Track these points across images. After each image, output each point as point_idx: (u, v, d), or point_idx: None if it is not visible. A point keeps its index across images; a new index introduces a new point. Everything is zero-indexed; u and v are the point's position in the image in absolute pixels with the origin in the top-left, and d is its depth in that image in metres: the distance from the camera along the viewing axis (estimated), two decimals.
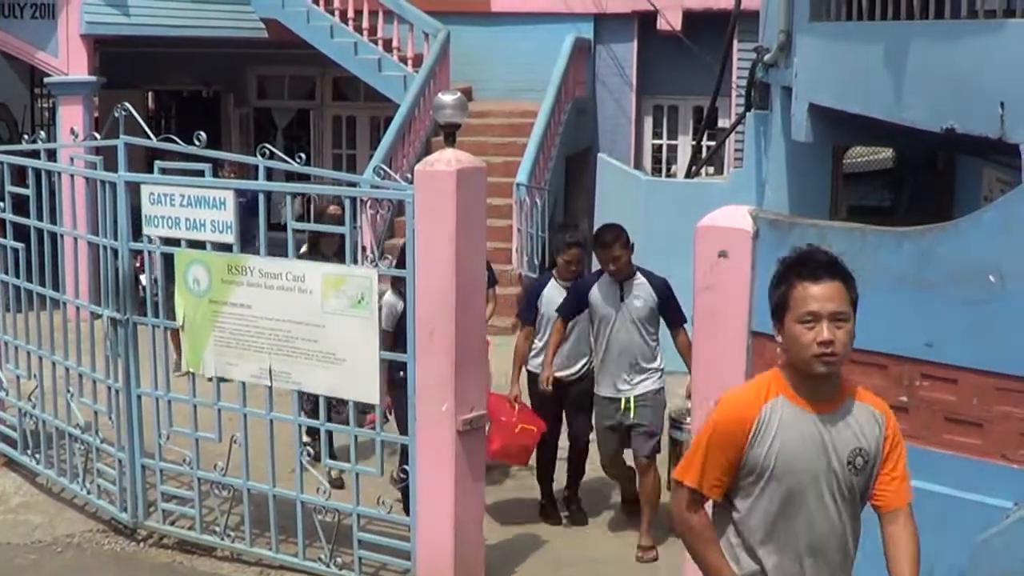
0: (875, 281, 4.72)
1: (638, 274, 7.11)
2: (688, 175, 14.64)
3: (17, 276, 7.90)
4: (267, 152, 6.47)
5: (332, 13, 15.42)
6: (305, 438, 6.95)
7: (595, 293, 7.12)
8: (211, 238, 6.66)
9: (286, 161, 6.50)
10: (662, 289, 7.07)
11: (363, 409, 6.96)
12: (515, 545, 7.20)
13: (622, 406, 7.07)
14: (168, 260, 6.87)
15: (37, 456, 8.02)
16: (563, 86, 14.94)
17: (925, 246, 4.56)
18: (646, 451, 7.07)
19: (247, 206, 6.99)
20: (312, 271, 6.35)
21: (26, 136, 8.15)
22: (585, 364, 7.55)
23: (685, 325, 6.79)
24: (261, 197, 6.73)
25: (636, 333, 7.03)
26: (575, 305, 7.24)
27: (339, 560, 6.57)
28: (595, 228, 14.64)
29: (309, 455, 6.64)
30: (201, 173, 6.71)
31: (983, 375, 4.45)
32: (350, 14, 15.35)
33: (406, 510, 6.60)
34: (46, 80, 14.05)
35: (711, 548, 3.52)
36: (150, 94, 18.64)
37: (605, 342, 7.10)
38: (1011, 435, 4.40)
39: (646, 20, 16.52)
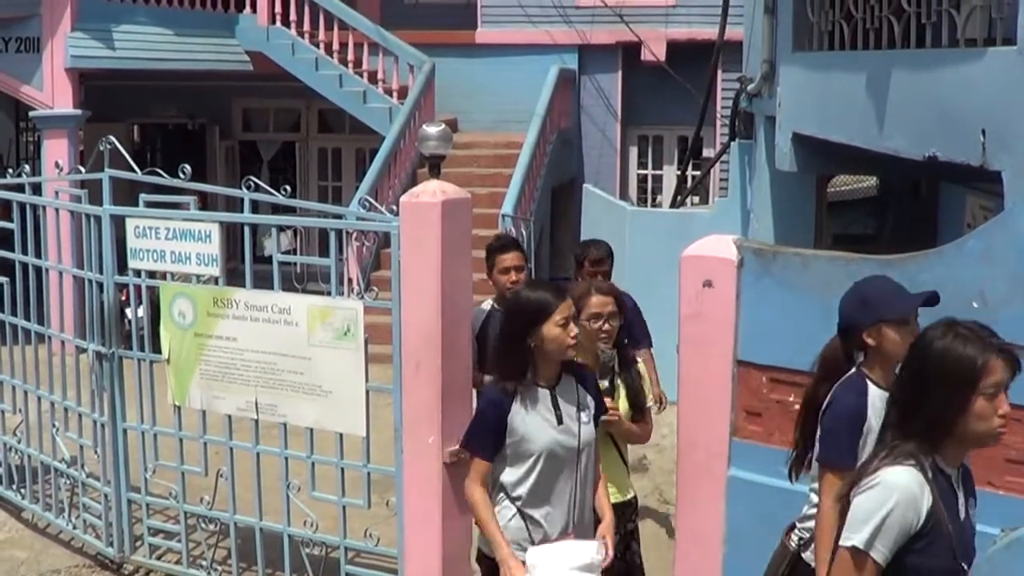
0: None
1: None
2: (673, 205, 14.71)
3: (1, 310, 7.87)
4: (252, 184, 6.47)
5: (317, 46, 15.49)
6: None
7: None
8: (197, 271, 6.65)
9: (271, 193, 6.50)
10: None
11: None
12: None
13: None
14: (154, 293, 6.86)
15: (22, 491, 7.96)
16: (548, 117, 15.00)
17: (909, 273, 4.57)
18: None
19: None
20: (298, 303, 6.33)
21: (10, 170, 8.12)
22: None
23: None
24: None
25: None
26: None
27: None
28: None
29: None
30: (187, 206, 6.71)
31: None
32: (335, 46, 15.41)
33: None
34: (31, 114, 14.05)
35: None
36: (135, 127, 18.65)
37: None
38: (997, 462, 4.40)
39: (630, 51, 16.64)
